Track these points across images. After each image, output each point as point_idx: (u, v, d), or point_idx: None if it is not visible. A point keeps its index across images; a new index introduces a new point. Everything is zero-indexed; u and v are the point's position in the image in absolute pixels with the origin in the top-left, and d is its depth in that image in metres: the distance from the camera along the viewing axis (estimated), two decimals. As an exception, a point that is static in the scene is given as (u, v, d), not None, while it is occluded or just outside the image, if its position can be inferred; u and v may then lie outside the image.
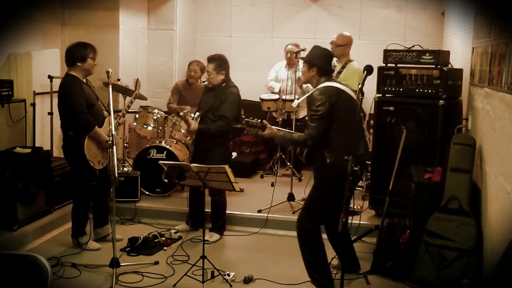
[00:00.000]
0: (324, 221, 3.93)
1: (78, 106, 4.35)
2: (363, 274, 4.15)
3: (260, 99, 6.58)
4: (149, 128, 6.03)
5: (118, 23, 6.61)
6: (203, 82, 5.92)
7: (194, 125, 4.89)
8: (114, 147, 3.88)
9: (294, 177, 5.91)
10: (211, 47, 7.28)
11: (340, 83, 3.89)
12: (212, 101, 4.81)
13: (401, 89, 4.94)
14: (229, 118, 4.72)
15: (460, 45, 5.39)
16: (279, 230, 5.18)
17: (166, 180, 5.25)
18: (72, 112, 4.39)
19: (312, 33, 7.48)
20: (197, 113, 5.01)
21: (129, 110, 5.18)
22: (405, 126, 4.63)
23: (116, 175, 3.78)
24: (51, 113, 5.71)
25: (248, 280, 4.05)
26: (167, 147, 5.78)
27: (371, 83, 4.93)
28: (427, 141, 4.76)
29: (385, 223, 4.34)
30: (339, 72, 5.54)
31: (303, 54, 4.16)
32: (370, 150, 5.23)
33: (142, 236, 4.69)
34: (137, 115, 6.11)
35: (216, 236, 4.94)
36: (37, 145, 5.57)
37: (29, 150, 4.95)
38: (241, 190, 4.63)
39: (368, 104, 5.13)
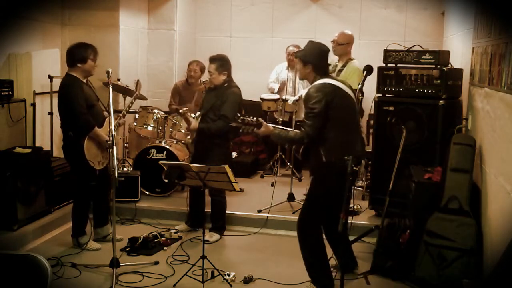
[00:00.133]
0: (324, 220, 3.92)
1: (78, 106, 4.35)
2: (363, 274, 4.15)
3: (260, 98, 6.58)
4: (149, 128, 6.03)
5: (118, 23, 6.61)
6: (203, 82, 5.92)
7: (194, 124, 4.89)
8: (114, 147, 3.88)
9: (294, 177, 5.91)
10: (211, 47, 7.28)
11: (336, 79, 3.85)
12: (214, 101, 4.81)
13: (401, 89, 4.94)
14: (230, 118, 4.71)
15: (460, 45, 5.39)
16: (279, 230, 5.19)
17: (166, 180, 5.24)
18: (72, 112, 4.39)
19: (312, 33, 7.48)
20: (198, 112, 5.02)
21: (129, 110, 5.18)
22: (405, 126, 4.63)
23: (116, 175, 3.78)
24: (51, 113, 5.71)
25: (248, 280, 4.05)
26: (167, 147, 5.78)
27: (371, 83, 4.93)
28: (427, 141, 4.75)
29: (385, 223, 4.34)
30: (340, 71, 5.54)
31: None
32: (370, 150, 5.24)
33: (142, 236, 4.69)
34: (137, 115, 6.11)
35: (216, 236, 4.94)
36: (37, 145, 5.57)
37: (29, 150, 4.95)
38: (241, 190, 4.63)
39: (368, 104, 5.13)
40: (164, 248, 4.69)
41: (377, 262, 4.21)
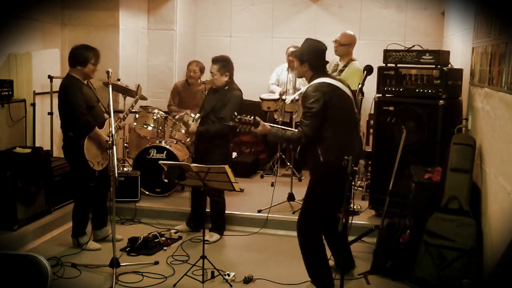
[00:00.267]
0: (323, 220, 3.92)
1: (78, 107, 4.35)
2: (363, 274, 4.15)
3: (260, 98, 6.58)
4: (149, 128, 6.03)
5: (118, 23, 6.61)
6: (203, 82, 5.93)
7: (193, 126, 4.89)
8: (114, 147, 3.88)
9: (294, 177, 5.91)
10: (211, 47, 7.30)
11: (334, 78, 3.82)
12: (214, 103, 4.80)
13: (401, 89, 4.94)
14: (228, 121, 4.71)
15: (460, 45, 5.39)
16: (279, 230, 5.19)
17: (166, 180, 5.24)
18: (72, 113, 4.39)
19: (312, 33, 7.46)
20: (198, 114, 5.01)
21: (129, 112, 5.18)
22: (405, 126, 4.63)
23: (116, 175, 3.77)
24: (51, 113, 5.71)
25: (248, 280, 4.05)
26: (167, 147, 5.78)
27: (371, 83, 4.92)
28: (427, 141, 4.75)
29: (385, 223, 4.34)
30: (341, 71, 5.55)
31: None
32: (370, 150, 5.24)
33: (142, 236, 4.69)
34: (137, 115, 6.11)
35: (216, 236, 4.94)
36: (37, 145, 5.57)
37: (29, 150, 4.95)
38: (241, 190, 4.62)
39: (368, 104, 5.12)
40: (164, 248, 4.69)
41: (377, 262, 4.21)
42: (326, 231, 4.04)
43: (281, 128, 3.87)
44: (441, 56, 4.81)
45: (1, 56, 5.43)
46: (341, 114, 3.66)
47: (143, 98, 6.22)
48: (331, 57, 5.63)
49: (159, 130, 6.00)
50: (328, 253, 3.99)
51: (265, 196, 5.54)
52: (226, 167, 3.64)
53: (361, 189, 5.93)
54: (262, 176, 6.87)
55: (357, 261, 4.27)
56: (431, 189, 4.15)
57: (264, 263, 4.47)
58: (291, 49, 6.60)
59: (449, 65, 5.00)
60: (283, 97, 6.33)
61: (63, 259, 4.29)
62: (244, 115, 3.74)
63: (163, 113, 6.08)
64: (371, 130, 5.44)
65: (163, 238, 4.79)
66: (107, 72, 4.17)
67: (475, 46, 4.46)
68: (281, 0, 7.76)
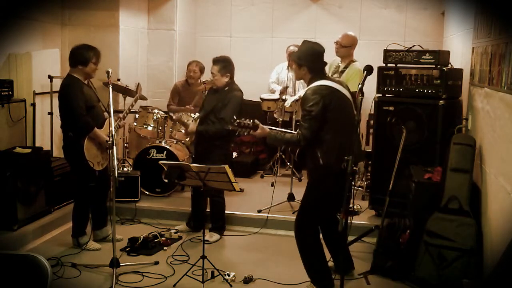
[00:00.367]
0: (321, 221, 3.92)
1: (78, 107, 4.35)
2: (363, 274, 4.15)
3: (260, 98, 6.58)
4: (149, 128, 6.03)
5: (118, 23, 6.61)
6: (203, 82, 5.93)
7: (193, 126, 4.88)
8: (114, 147, 3.88)
9: (294, 177, 5.91)
10: (211, 47, 7.30)
11: (333, 80, 3.80)
12: (215, 103, 4.80)
13: (401, 89, 4.94)
14: (228, 122, 4.70)
15: (460, 45, 5.39)
16: (279, 230, 5.19)
17: (166, 180, 5.25)
18: (72, 113, 4.39)
19: (312, 33, 7.48)
20: (197, 114, 5.01)
21: (129, 111, 5.17)
22: (405, 126, 4.63)
23: (116, 175, 3.77)
24: (51, 113, 5.71)
25: (248, 280, 4.05)
26: (167, 147, 5.78)
27: (371, 83, 4.91)
28: (427, 141, 4.75)
29: (385, 223, 4.34)
30: (342, 72, 5.55)
31: None
32: (370, 150, 5.24)
33: (142, 236, 4.69)
34: (137, 115, 6.11)
35: (216, 236, 4.94)
36: (37, 145, 5.57)
37: (29, 150, 4.95)
38: (241, 190, 4.63)
39: (368, 104, 5.12)
40: (164, 248, 4.69)
41: (377, 262, 4.21)
42: (325, 232, 4.04)
43: (280, 130, 3.86)
44: (441, 56, 4.81)
45: (1, 56, 5.43)
46: (340, 116, 3.64)
47: (143, 98, 6.22)
48: (332, 57, 5.63)
49: (159, 130, 6.00)
50: (327, 254, 3.99)
51: (265, 196, 5.54)
52: (226, 167, 3.64)
53: (361, 189, 5.94)
54: (262, 176, 6.87)
55: (357, 261, 4.26)
56: (431, 189, 4.15)
57: (264, 263, 4.47)
58: (291, 48, 6.60)
59: (449, 65, 5.00)
60: (283, 97, 6.33)
61: (63, 259, 4.29)
62: (243, 119, 3.74)
63: (163, 113, 6.08)
64: (371, 130, 5.44)
65: (163, 238, 4.79)
66: (107, 72, 4.17)
67: (475, 46, 4.46)
68: (281, 0, 7.76)
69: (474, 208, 3.90)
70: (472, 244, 3.78)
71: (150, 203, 5.62)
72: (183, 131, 5.94)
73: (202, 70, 6.62)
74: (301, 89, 6.33)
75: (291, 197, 5.58)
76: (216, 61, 4.83)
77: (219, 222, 5.02)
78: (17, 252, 2.65)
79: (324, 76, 3.78)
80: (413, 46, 5.04)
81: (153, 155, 5.77)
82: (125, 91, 6.05)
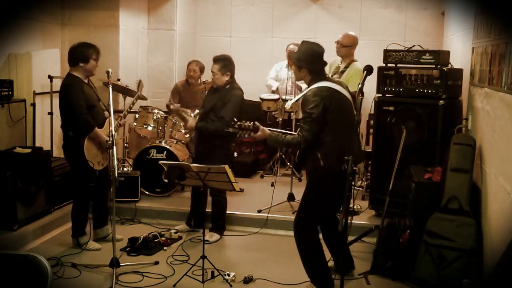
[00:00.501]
0: (320, 221, 3.92)
1: (78, 107, 4.35)
2: (363, 274, 4.15)
3: (260, 98, 6.59)
4: (149, 128, 6.03)
5: (118, 23, 6.61)
6: (203, 82, 5.93)
7: (192, 122, 4.88)
8: (114, 147, 3.88)
9: (294, 177, 5.91)
10: (211, 47, 7.29)
11: (333, 81, 3.79)
12: (215, 102, 4.80)
13: (401, 89, 4.94)
14: (228, 120, 4.69)
15: (460, 45, 5.39)
16: (279, 230, 5.19)
17: (166, 180, 5.25)
18: (72, 112, 4.39)
19: (312, 33, 7.48)
20: (196, 110, 5.00)
21: (130, 111, 5.17)
22: (405, 126, 4.63)
23: (116, 175, 3.78)
24: (51, 113, 5.71)
25: (248, 280, 4.05)
26: (167, 147, 5.78)
27: (371, 83, 4.92)
28: (427, 141, 4.75)
29: (385, 223, 4.34)
30: (343, 72, 5.55)
31: None
32: (370, 150, 5.24)
33: (142, 236, 4.69)
34: (137, 115, 6.11)
35: (216, 236, 4.94)
36: (37, 145, 5.57)
37: (29, 150, 4.95)
38: (241, 190, 4.63)
39: (368, 104, 5.12)
40: (164, 248, 4.69)
41: (377, 262, 4.21)
42: (325, 232, 4.04)
43: (280, 132, 3.86)
44: (441, 56, 4.81)
45: (1, 56, 5.43)
46: (340, 118, 3.64)
47: (143, 98, 6.22)
48: (332, 57, 5.63)
49: (159, 130, 6.00)
50: (328, 254, 3.99)
51: (265, 196, 5.54)
52: (226, 167, 3.64)
53: (361, 189, 5.93)
54: (262, 176, 6.87)
55: (357, 261, 4.26)
56: (431, 189, 4.15)
57: (264, 263, 4.47)
58: (291, 47, 6.61)
59: (449, 65, 5.00)
60: (284, 96, 6.33)
61: (63, 259, 4.29)
62: (243, 121, 3.74)
63: (163, 113, 6.08)
64: (371, 130, 5.44)
65: (163, 238, 4.79)
66: (107, 72, 4.18)
67: (475, 46, 4.46)
68: (281, 0, 7.76)
69: (474, 208, 3.90)
70: (472, 244, 3.78)
71: (150, 203, 5.62)
72: (183, 131, 5.95)
73: (202, 69, 6.62)
74: (298, 91, 6.31)
75: (291, 197, 5.58)
76: (216, 60, 4.83)
77: (219, 222, 5.02)
78: (17, 252, 2.65)
79: (324, 77, 3.78)
80: (413, 46, 5.04)
81: (153, 155, 5.77)
82: (125, 91, 6.05)
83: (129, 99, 5.92)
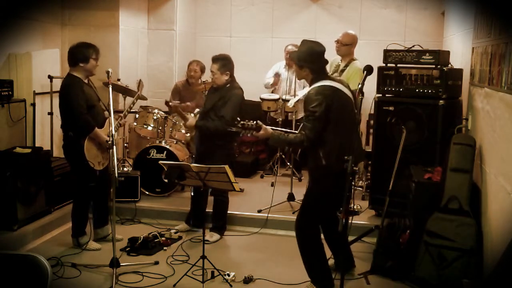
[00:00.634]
0: (321, 220, 3.92)
1: (78, 107, 4.35)
2: (363, 274, 4.15)
3: (260, 98, 6.59)
4: (149, 128, 6.03)
5: (118, 23, 6.61)
6: (203, 82, 5.93)
7: (191, 120, 4.87)
8: (114, 147, 3.88)
9: (294, 177, 5.91)
10: (211, 47, 7.29)
11: (335, 80, 3.80)
12: (215, 101, 4.80)
13: (401, 89, 4.94)
14: (228, 120, 4.70)
15: (460, 45, 5.39)
16: (279, 230, 5.19)
17: (166, 180, 5.25)
18: (72, 112, 4.39)
19: (312, 33, 7.48)
20: (197, 109, 5.00)
21: (130, 111, 5.17)
22: (405, 126, 4.63)
23: (116, 175, 3.78)
24: (51, 113, 5.71)
25: (248, 280, 4.05)
26: (167, 147, 5.78)
27: (371, 83, 4.92)
28: (427, 141, 4.75)
29: (385, 223, 4.34)
30: (342, 71, 5.55)
31: None
32: (370, 150, 5.24)
33: (142, 236, 4.69)
34: (137, 115, 6.11)
35: (216, 236, 4.94)
36: (37, 145, 5.57)
37: (29, 150, 4.95)
38: (241, 190, 4.63)
39: (368, 104, 5.12)
40: (164, 248, 4.69)
41: (377, 262, 4.21)
42: (326, 231, 4.04)
43: (283, 131, 3.87)
44: (441, 56, 4.81)
45: (1, 56, 5.43)
46: (342, 116, 3.64)
47: (143, 98, 6.22)
48: (332, 56, 5.63)
49: (159, 130, 6.00)
50: (329, 253, 3.99)
51: (265, 196, 5.54)
52: (226, 167, 3.64)
53: (361, 189, 5.93)
54: (262, 176, 6.87)
55: (357, 261, 4.27)
56: (431, 189, 4.15)
57: (264, 263, 4.47)
58: (290, 47, 6.61)
59: (449, 65, 5.00)
60: (284, 96, 6.33)
61: (63, 259, 4.29)
62: (247, 120, 3.74)
63: (163, 113, 6.08)
64: (371, 130, 5.44)
65: (163, 238, 4.79)
66: (107, 72, 4.18)
67: (475, 46, 4.46)
68: (281, 0, 7.76)
69: (474, 208, 3.90)
70: (472, 244, 3.78)
71: (150, 203, 5.62)
72: (183, 131, 5.95)
73: (202, 69, 6.62)
74: (298, 88, 6.30)
75: (291, 197, 5.58)
76: (215, 59, 4.83)
77: (220, 221, 5.02)
78: (17, 252, 2.65)
79: (326, 76, 3.78)
80: (413, 46, 5.04)
81: (153, 155, 5.77)
82: (125, 91, 6.05)
83: (129, 99, 5.92)
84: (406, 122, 4.74)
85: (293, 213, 5.26)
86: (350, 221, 3.18)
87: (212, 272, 4.05)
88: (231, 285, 3.98)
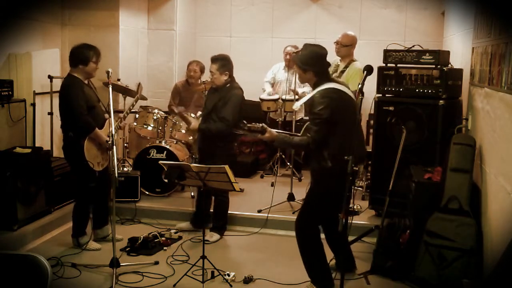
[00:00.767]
0: (322, 221, 3.92)
1: (78, 107, 4.35)
2: (363, 274, 4.15)
3: (260, 99, 6.59)
4: (149, 128, 6.03)
5: (118, 23, 6.61)
6: (203, 82, 5.93)
7: (195, 123, 4.89)
8: (114, 147, 3.88)
9: (294, 177, 5.91)
10: (211, 47, 7.29)
11: (338, 82, 3.83)
12: (215, 102, 4.80)
13: (401, 89, 4.94)
14: (229, 120, 4.70)
15: (460, 45, 5.39)
16: (279, 230, 5.19)
17: (166, 180, 5.25)
18: (72, 113, 4.39)
19: (312, 33, 7.48)
20: (199, 112, 5.00)
21: (130, 112, 5.18)
22: (405, 126, 4.63)
23: (116, 175, 3.78)
24: (51, 113, 5.71)
25: (248, 280, 4.05)
26: (167, 147, 5.78)
27: (371, 83, 4.92)
28: (427, 141, 4.75)
29: (385, 223, 4.34)
30: (342, 72, 5.55)
31: None
32: (370, 150, 5.24)
33: (142, 236, 4.69)
34: (137, 115, 6.11)
35: (216, 236, 4.94)
36: (37, 145, 5.57)
37: (29, 150, 4.95)
38: (241, 190, 4.63)
39: (368, 104, 5.13)
40: (164, 248, 4.69)
41: (377, 262, 4.21)
42: (327, 231, 4.05)
43: (288, 134, 3.89)
44: (441, 56, 4.81)
45: (1, 56, 5.43)
46: (346, 118, 3.66)
47: (143, 98, 6.23)
48: (332, 57, 5.63)
49: (159, 130, 6.00)
50: (330, 253, 3.99)
51: (265, 196, 5.53)
52: (226, 167, 3.65)
53: (361, 189, 5.93)
54: (262, 176, 6.87)
55: (357, 261, 4.27)
56: (431, 189, 4.15)
57: (264, 263, 4.47)
58: (289, 48, 6.61)
59: (449, 65, 5.00)
60: (284, 97, 6.33)
61: (63, 259, 4.29)
62: (253, 123, 3.76)
63: (163, 113, 6.08)
64: (371, 130, 5.44)
65: (163, 238, 4.79)
66: (107, 72, 4.17)
67: (475, 46, 4.46)
68: (281, 0, 7.76)
69: (474, 208, 3.90)
70: (472, 244, 3.78)
71: (150, 203, 5.62)
72: (183, 131, 5.95)
73: (202, 70, 6.62)
74: (299, 88, 6.29)
75: (291, 197, 5.58)
76: (214, 59, 4.83)
77: (220, 222, 5.02)
78: (17, 252, 2.65)
79: (329, 78, 3.82)
80: (413, 46, 5.04)
81: (153, 155, 5.77)
82: (125, 91, 6.05)
83: (129, 99, 5.92)
84: (406, 122, 4.74)
85: (293, 213, 5.26)
86: (350, 221, 3.18)
87: (212, 272, 4.05)
88: (231, 285, 3.98)
